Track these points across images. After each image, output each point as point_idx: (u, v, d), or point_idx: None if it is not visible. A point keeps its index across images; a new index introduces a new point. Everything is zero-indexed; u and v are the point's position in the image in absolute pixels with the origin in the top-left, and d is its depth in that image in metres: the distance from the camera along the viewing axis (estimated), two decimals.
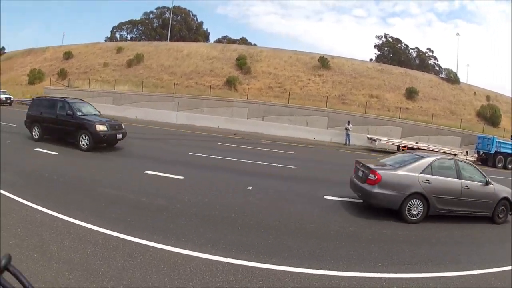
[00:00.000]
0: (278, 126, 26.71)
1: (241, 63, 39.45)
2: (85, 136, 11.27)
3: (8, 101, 32.91)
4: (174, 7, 64.12)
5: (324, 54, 41.43)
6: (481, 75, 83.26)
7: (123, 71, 41.90)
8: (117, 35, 69.20)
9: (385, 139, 23.04)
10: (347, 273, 4.25)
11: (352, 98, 35.04)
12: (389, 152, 21.75)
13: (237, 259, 4.31)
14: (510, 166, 21.71)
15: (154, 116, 28.08)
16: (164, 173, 8.87)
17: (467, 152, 23.20)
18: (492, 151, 22.04)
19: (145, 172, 8.88)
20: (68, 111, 11.65)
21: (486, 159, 22.25)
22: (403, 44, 62.93)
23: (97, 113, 12.94)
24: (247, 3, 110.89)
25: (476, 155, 22.84)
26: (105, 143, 11.94)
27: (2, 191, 6.05)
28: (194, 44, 48.69)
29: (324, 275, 4.14)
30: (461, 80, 42.96)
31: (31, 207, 5.52)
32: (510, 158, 22.06)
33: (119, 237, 4.66)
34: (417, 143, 22.46)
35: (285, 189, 8.71)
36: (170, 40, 54.72)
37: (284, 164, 12.26)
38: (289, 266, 4.25)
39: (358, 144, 24.78)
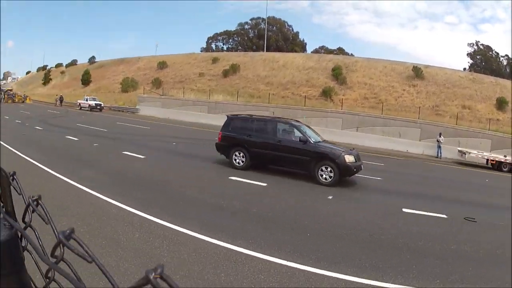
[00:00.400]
0: (371, 137, 25.80)
1: (337, 74, 39.00)
2: (327, 168, 9.44)
3: (98, 107, 36.06)
4: (268, 17, 63.03)
5: (418, 63, 39.46)
6: None
7: (219, 81, 43.04)
8: (213, 46, 69.94)
9: (475, 152, 21.35)
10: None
11: (445, 109, 32.61)
12: (479, 166, 20.13)
13: (294, 262, 4.27)
14: None
15: None
16: (247, 179, 9.03)
17: None
18: None
19: (229, 177, 9.14)
20: (301, 137, 9.91)
21: None
22: (494, 52, 56.54)
23: (320, 137, 10.85)
24: (342, 11, 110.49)
25: None
26: (349, 176, 9.99)
27: (86, 189, 6.81)
28: (290, 55, 48.58)
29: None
30: None
31: (110, 203, 6.11)
32: None
33: (188, 233, 4.89)
34: (505, 156, 20.37)
35: (366, 200, 8.50)
36: (267, 51, 53.92)
37: (371, 175, 11.69)
38: (350, 275, 4.09)
39: (449, 157, 22.91)
